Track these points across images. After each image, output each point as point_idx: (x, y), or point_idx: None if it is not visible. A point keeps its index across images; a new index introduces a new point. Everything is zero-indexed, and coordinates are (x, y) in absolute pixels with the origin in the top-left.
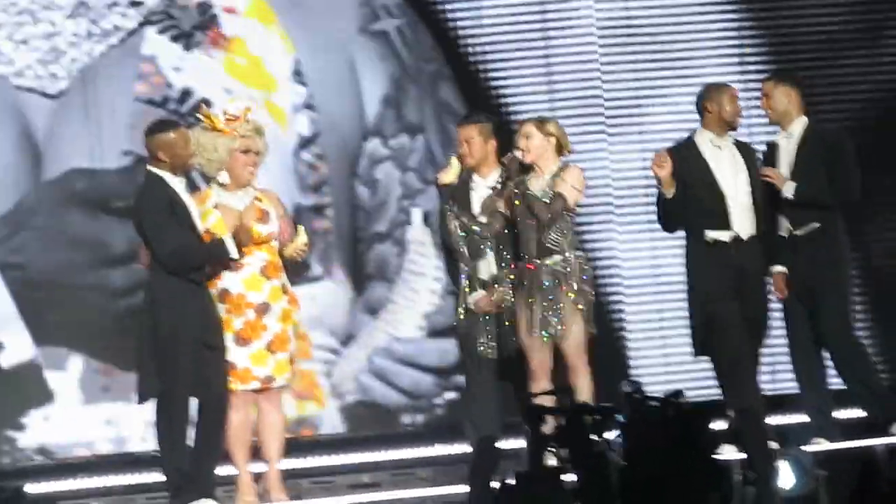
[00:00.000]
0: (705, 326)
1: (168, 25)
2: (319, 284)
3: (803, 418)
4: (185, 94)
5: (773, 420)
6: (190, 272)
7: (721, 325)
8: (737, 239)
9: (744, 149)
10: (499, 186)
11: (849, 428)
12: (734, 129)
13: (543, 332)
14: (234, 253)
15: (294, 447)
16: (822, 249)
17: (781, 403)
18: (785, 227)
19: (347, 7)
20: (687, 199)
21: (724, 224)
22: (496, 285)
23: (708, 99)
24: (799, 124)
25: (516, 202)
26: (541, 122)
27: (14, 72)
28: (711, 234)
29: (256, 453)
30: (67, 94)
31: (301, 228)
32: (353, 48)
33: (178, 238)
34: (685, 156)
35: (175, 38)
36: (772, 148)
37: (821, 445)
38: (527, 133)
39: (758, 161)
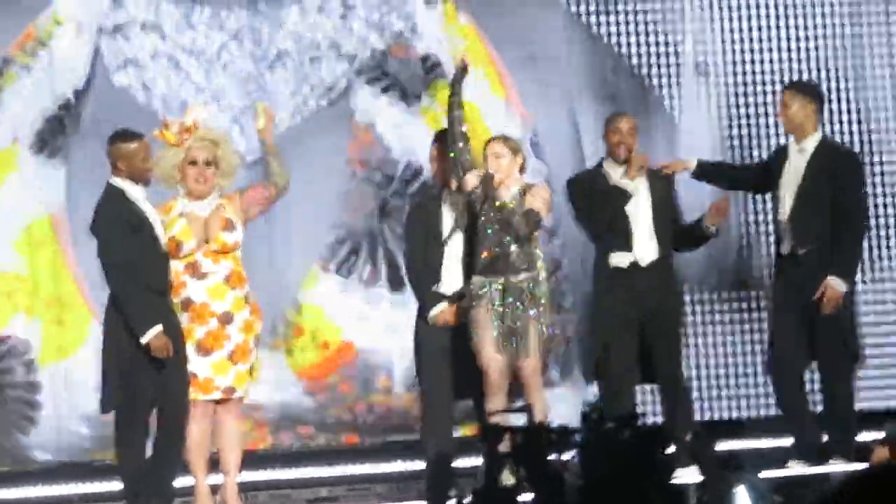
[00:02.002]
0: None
1: (385, 84)
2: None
3: (762, 443)
4: (409, 164)
5: (730, 445)
6: (115, 296)
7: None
8: (635, 264)
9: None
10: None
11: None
12: (617, 158)
13: (515, 345)
14: (144, 338)
15: (252, 459)
16: (822, 269)
17: (738, 429)
18: (787, 243)
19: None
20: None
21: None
22: (459, 299)
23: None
24: (813, 140)
25: (482, 217)
26: (507, 141)
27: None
28: (614, 259)
29: (215, 464)
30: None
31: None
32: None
33: (120, 269)
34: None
35: (392, 100)
36: (781, 154)
37: (791, 469)
38: (497, 153)
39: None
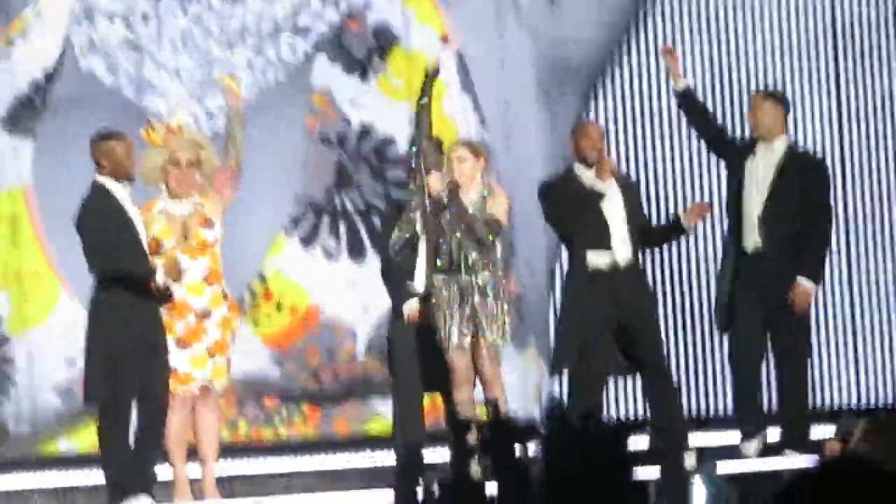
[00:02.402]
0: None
1: (339, 54)
2: None
3: (726, 437)
4: (365, 130)
5: (695, 439)
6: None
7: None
8: (615, 264)
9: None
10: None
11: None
12: (590, 165)
13: (496, 339)
14: (158, 279)
15: (228, 450)
16: (787, 268)
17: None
18: (752, 241)
19: None
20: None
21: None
22: (426, 297)
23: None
24: (780, 142)
25: (445, 219)
26: (472, 145)
27: (166, 110)
28: (594, 259)
29: (192, 454)
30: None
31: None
32: None
33: (105, 263)
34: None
35: (349, 69)
36: (747, 148)
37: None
38: (460, 156)
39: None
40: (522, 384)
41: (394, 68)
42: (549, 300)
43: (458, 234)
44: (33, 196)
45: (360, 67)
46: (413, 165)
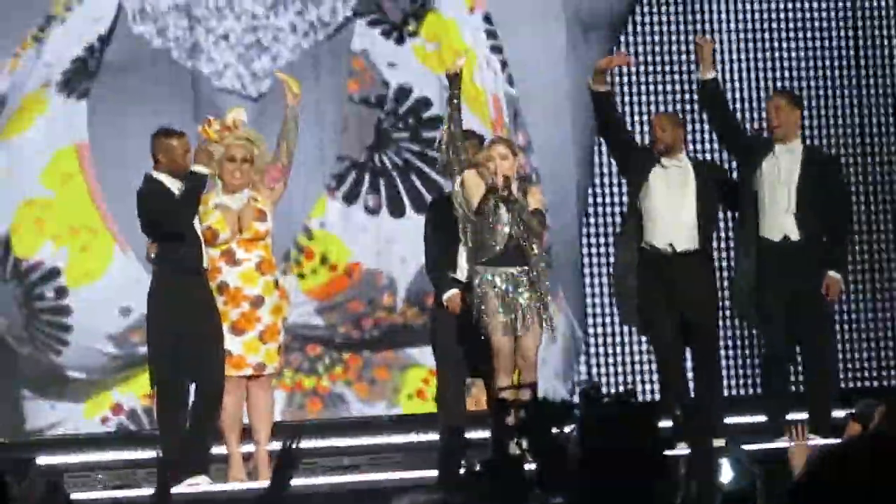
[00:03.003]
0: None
1: (378, 18)
2: None
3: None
4: (403, 92)
5: (725, 420)
6: (188, 218)
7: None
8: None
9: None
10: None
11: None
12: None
13: (542, 328)
14: (202, 171)
15: (281, 430)
16: (813, 258)
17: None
18: (778, 231)
19: None
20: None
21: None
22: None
23: None
24: (798, 143)
25: (497, 213)
26: (510, 144)
27: (214, 71)
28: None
29: (247, 434)
30: (270, 95)
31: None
32: None
33: (167, 204)
34: None
35: (386, 33)
36: (763, 148)
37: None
38: (503, 154)
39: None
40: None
41: (427, 33)
42: (579, 250)
43: (515, 228)
44: (88, 155)
45: (396, 31)
46: (446, 161)
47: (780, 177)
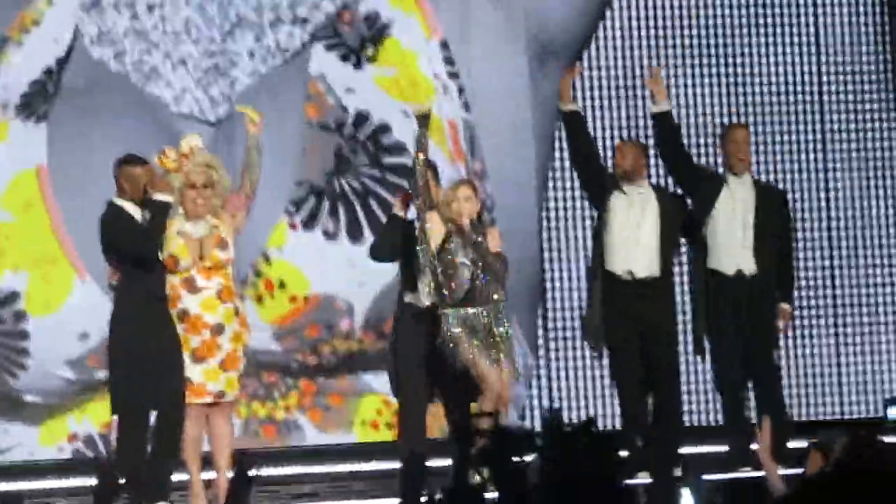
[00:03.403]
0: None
1: (335, 43)
2: None
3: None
4: (361, 117)
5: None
6: (153, 250)
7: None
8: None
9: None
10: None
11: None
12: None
13: (513, 366)
14: (165, 199)
15: (241, 458)
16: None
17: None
18: (734, 265)
19: None
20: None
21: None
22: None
23: None
24: (749, 175)
25: (459, 255)
26: (472, 184)
27: (172, 96)
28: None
29: (208, 462)
30: (228, 120)
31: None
32: None
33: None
34: None
35: (344, 57)
36: (715, 180)
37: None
38: (467, 196)
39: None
40: None
41: (385, 58)
42: (536, 275)
43: (477, 269)
44: (47, 179)
45: (354, 55)
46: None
47: (737, 211)
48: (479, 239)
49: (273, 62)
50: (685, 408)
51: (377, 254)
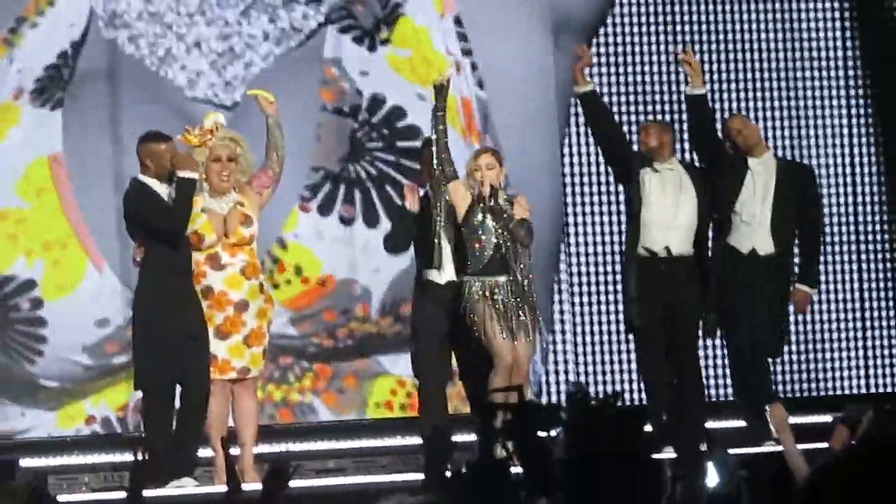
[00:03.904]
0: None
1: (349, 25)
2: None
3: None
4: (376, 101)
5: (708, 424)
6: (183, 225)
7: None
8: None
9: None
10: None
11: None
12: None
13: (532, 336)
14: (191, 175)
15: (266, 433)
16: (782, 270)
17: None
18: (751, 244)
19: None
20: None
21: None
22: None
23: None
24: (769, 156)
25: (483, 223)
26: (495, 152)
27: (186, 80)
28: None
29: (233, 438)
30: (244, 104)
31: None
32: None
33: (162, 210)
34: None
35: (358, 39)
36: (738, 164)
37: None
38: (489, 163)
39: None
40: None
41: (399, 40)
42: (551, 253)
43: (501, 238)
44: (61, 166)
45: (368, 38)
46: (437, 175)
47: (757, 190)
48: (504, 207)
49: (288, 44)
50: (710, 382)
51: (392, 248)
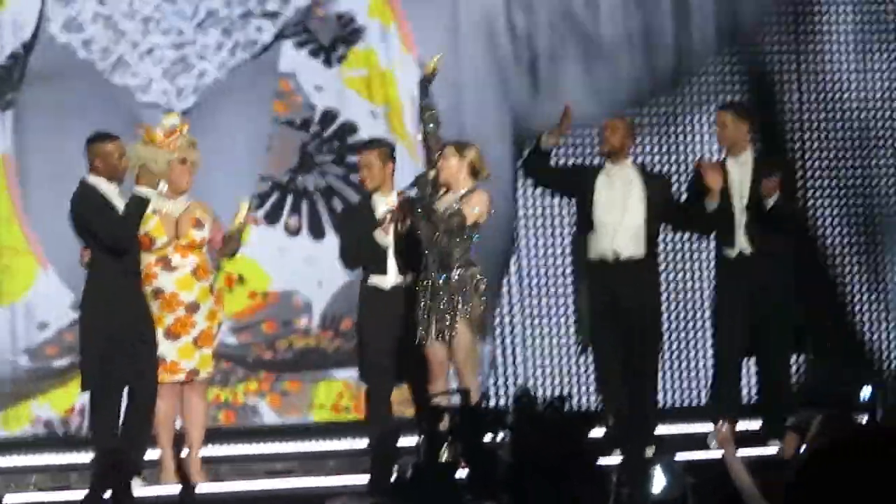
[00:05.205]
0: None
1: (306, 39)
2: None
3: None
4: (329, 116)
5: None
6: (129, 240)
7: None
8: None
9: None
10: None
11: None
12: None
13: (469, 334)
14: (147, 195)
15: (214, 435)
16: (773, 271)
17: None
18: (736, 247)
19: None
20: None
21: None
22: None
23: None
24: (748, 154)
25: (421, 218)
26: (459, 146)
27: (137, 85)
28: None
29: (180, 439)
30: (196, 111)
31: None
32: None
33: (110, 222)
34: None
35: (314, 53)
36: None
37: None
38: (445, 155)
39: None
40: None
41: (355, 59)
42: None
43: (425, 229)
44: (11, 168)
45: (324, 53)
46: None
47: (734, 191)
48: (453, 199)
49: (242, 55)
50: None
51: (353, 265)
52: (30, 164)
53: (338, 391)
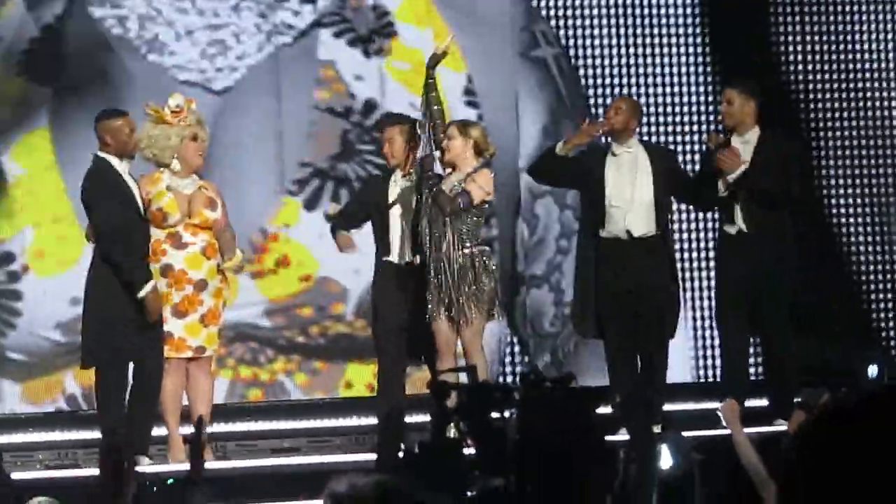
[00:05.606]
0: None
1: (344, 29)
2: None
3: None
4: (369, 106)
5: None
6: (111, 259)
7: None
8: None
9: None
10: (411, 182)
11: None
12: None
13: (475, 314)
14: (141, 291)
15: (221, 412)
16: (770, 248)
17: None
18: (736, 224)
19: (508, 30)
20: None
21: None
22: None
23: None
24: (753, 133)
25: (427, 198)
26: (463, 125)
27: (175, 64)
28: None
29: (186, 416)
30: (235, 89)
31: (238, 255)
32: (515, 74)
33: (115, 223)
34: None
35: (351, 43)
36: (725, 145)
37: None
38: (450, 134)
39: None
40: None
41: (395, 53)
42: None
43: (428, 208)
44: (52, 138)
45: (362, 43)
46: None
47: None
48: (456, 180)
49: (279, 40)
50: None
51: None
52: (66, 140)
53: (368, 370)
